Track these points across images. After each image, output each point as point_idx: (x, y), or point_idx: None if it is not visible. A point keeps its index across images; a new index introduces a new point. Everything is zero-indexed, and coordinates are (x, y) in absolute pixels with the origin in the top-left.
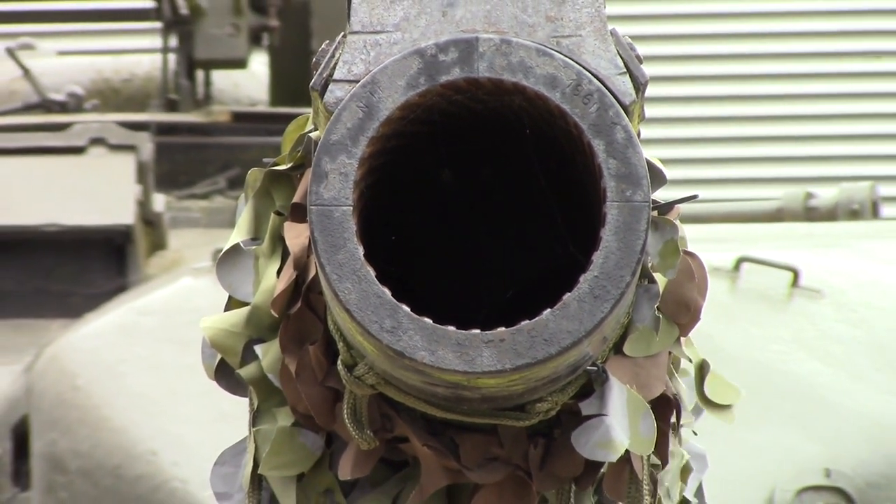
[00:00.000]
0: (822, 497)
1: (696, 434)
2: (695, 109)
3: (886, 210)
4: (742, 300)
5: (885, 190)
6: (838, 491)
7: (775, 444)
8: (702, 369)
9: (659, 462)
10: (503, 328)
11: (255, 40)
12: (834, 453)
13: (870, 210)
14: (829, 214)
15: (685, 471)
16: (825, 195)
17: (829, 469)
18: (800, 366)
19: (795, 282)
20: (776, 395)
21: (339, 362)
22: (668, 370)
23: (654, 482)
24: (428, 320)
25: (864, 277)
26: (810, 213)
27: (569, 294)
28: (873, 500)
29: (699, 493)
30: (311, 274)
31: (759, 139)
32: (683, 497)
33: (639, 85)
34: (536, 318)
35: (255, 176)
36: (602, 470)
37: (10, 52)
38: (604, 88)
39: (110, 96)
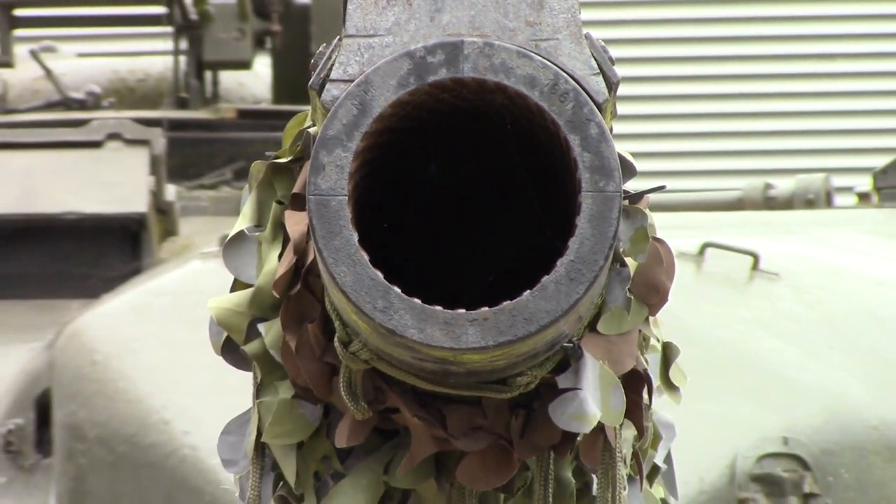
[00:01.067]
0: (781, 463)
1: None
2: (663, 107)
3: (839, 200)
4: (706, 283)
5: (839, 181)
6: (795, 457)
7: (737, 415)
8: (667, 353)
9: (636, 433)
10: (487, 308)
11: (258, 43)
12: (791, 423)
13: (824, 200)
14: (787, 204)
15: (655, 439)
16: (783, 186)
17: (786, 437)
18: (759, 343)
19: (755, 266)
20: (738, 370)
21: (335, 339)
22: (639, 347)
23: (634, 452)
24: (417, 301)
25: (818, 262)
26: (769, 203)
27: (547, 277)
28: (827, 466)
29: (668, 459)
30: (310, 258)
31: (723, 135)
32: (654, 463)
33: (611, 84)
34: (517, 299)
35: (258, 168)
36: (578, 438)
37: (34, 54)
38: (579, 88)
39: (126, 95)
